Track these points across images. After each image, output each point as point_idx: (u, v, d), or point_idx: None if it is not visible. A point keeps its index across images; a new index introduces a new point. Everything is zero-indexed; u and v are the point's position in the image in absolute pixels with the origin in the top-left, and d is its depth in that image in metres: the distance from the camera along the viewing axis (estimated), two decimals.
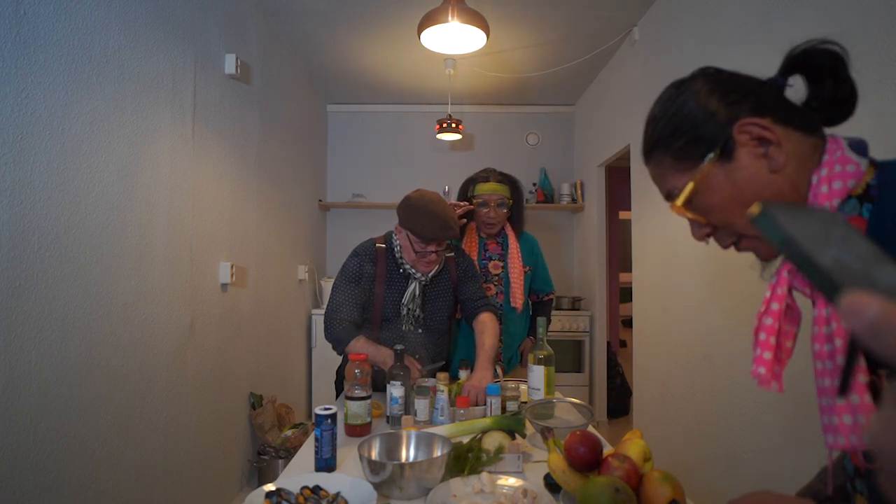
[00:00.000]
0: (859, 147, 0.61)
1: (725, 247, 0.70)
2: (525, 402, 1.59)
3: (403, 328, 1.80)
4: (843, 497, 0.74)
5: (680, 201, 0.67)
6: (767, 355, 0.65)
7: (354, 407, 1.45)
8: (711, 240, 0.72)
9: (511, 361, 2.22)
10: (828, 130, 0.66)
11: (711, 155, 0.65)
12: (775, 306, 0.65)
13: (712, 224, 0.68)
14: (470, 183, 2.21)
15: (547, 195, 4.66)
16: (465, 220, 2.14)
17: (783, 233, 0.40)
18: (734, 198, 0.65)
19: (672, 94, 0.71)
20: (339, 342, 1.78)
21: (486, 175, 2.18)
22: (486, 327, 1.84)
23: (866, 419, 0.53)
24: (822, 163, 0.61)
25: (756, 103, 0.64)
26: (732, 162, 0.64)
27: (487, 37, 2.20)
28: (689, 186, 0.66)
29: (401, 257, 1.78)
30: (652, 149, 0.72)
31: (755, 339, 0.67)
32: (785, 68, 0.66)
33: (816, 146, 0.63)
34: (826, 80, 0.64)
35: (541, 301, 2.30)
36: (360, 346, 1.73)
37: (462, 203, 2.14)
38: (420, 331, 1.82)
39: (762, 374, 0.65)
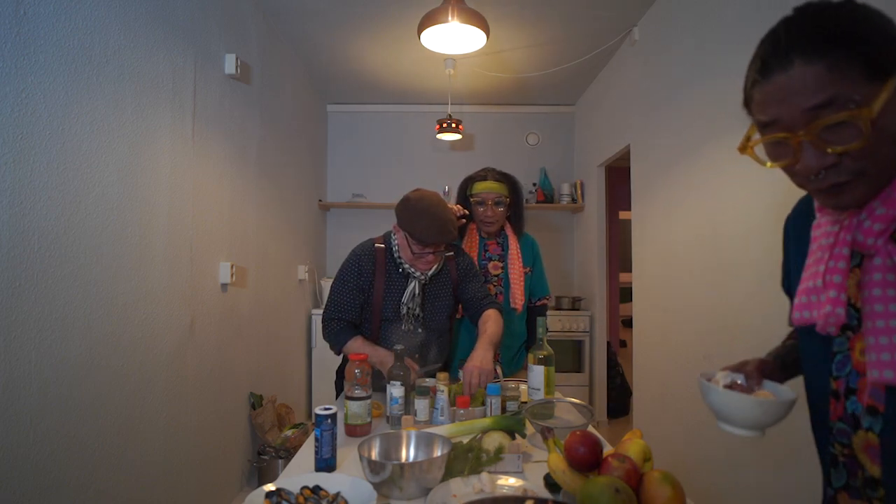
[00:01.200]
0: None
1: (826, 188, 0.65)
2: (525, 402, 1.59)
3: (403, 327, 1.80)
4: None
5: (878, 104, 0.59)
6: (844, 297, 0.67)
7: (354, 407, 1.45)
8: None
9: (513, 362, 2.21)
10: None
11: None
12: (846, 251, 0.67)
13: (855, 151, 0.61)
14: (468, 181, 2.22)
15: (547, 195, 4.66)
16: (464, 221, 2.14)
17: None
18: None
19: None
20: (336, 342, 1.78)
21: (484, 174, 2.19)
22: (490, 318, 1.82)
23: None
24: None
25: None
26: None
27: (487, 37, 2.20)
28: (883, 96, 0.59)
29: (399, 257, 1.78)
30: (839, 44, 0.60)
31: (824, 284, 0.69)
32: None
33: None
34: None
35: (535, 306, 2.28)
36: (357, 346, 1.74)
37: (458, 207, 2.14)
38: (420, 330, 1.82)
39: (840, 315, 0.66)
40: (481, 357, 1.63)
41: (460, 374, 1.80)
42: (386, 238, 1.83)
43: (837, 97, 0.60)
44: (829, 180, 0.64)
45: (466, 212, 2.14)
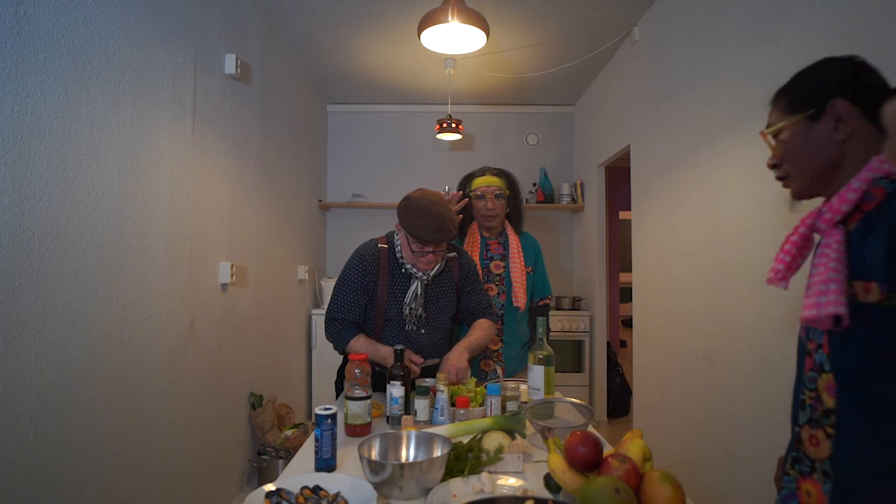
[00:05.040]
0: None
1: (778, 178, 0.96)
2: (525, 402, 1.59)
3: (406, 328, 1.80)
4: None
5: (768, 131, 0.95)
6: (786, 258, 0.92)
7: (354, 407, 1.45)
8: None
9: (516, 362, 2.21)
10: None
11: (806, 112, 0.89)
12: (803, 230, 0.90)
13: (778, 157, 0.94)
14: (467, 179, 2.26)
15: (547, 195, 4.66)
16: (461, 216, 2.14)
17: None
18: (801, 145, 0.90)
19: (817, 63, 0.92)
20: (339, 342, 1.79)
21: (482, 170, 2.24)
22: (481, 326, 1.89)
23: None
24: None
25: (857, 94, 0.85)
26: (816, 123, 0.88)
27: (487, 37, 2.19)
28: (780, 124, 0.93)
29: (401, 256, 1.78)
30: (781, 91, 0.95)
31: (780, 248, 0.93)
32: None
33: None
34: None
35: (537, 306, 2.28)
36: (359, 345, 1.74)
37: (457, 193, 2.15)
38: (423, 331, 1.82)
39: (779, 270, 0.92)
40: (457, 357, 1.73)
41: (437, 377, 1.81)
42: (389, 238, 1.84)
43: (772, 122, 0.96)
44: (776, 173, 0.97)
45: (466, 199, 2.14)
